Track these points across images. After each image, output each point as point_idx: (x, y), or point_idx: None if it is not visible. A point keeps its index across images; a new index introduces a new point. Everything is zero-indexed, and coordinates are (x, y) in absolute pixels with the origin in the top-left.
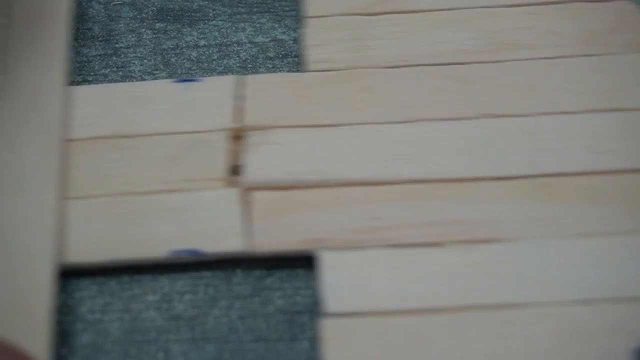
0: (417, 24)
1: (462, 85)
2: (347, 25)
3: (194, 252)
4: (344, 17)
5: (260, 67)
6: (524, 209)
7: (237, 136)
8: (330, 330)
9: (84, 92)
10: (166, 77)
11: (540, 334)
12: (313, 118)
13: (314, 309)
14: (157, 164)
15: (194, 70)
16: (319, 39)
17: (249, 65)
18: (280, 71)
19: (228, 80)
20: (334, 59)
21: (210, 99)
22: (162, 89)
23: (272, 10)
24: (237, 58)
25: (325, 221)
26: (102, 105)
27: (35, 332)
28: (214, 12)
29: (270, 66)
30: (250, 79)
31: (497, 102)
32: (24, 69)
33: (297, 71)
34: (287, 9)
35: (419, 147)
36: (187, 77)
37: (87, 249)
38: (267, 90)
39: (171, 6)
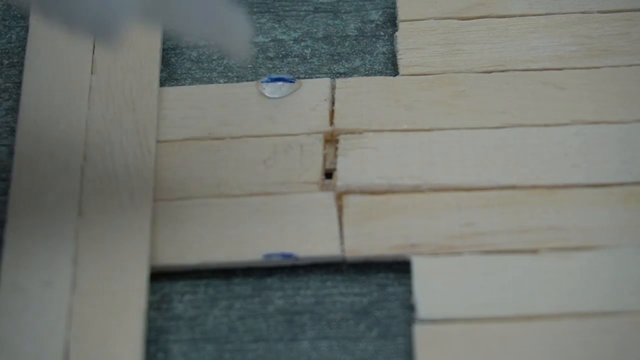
0: (512, 29)
1: (557, 91)
2: (440, 29)
3: (288, 256)
4: (437, 20)
5: (260, 67)
6: (619, 216)
7: (331, 139)
8: (422, 336)
9: (174, 93)
10: (166, 77)
11: (637, 342)
12: (406, 122)
13: (314, 309)
14: (251, 166)
15: (194, 70)
16: (412, 42)
17: (249, 65)
18: (280, 71)
19: (323, 82)
20: (427, 63)
21: (304, 101)
22: (254, 90)
23: (272, 10)
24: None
25: (418, 226)
26: (193, 106)
27: (128, 333)
28: None
29: (270, 66)
30: (341, 82)
31: (592, 108)
32: (115, 69)
33: (297, 71)
34: (287, 9)
35: (513, 152)
36: (276, 77)
37: (177, 252)
38: (359, 94)
39: None
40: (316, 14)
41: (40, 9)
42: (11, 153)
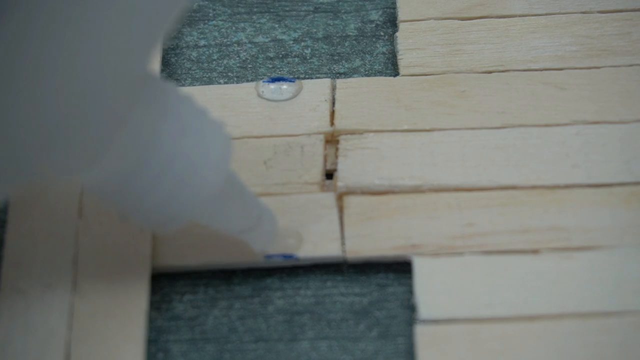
0: (512, 29)
1: (558, 91)
2: (441, 29)
3: (289, 257)
4: (437, 21)
5: (260, 67)
6: (620, 216)
7: (331, 140)
8: (423, 337)
9: None
10: (166, 77)
11: (638, 342)
12: (407, 122)
13: (314, 309)
14: (251, 167)
15: (194, 70)
16: (412, 43)
17: (249, 65)
18: (280, 71)
19: (323, 83)
20: (427, 63)
21: (305, 102)
22: (254, 90)
23: (272, 10)
24: (237, 58)
25: (419, 227)
26: None
27: (131, 335)
28: (214, 12)
29: (270, 66)
30: (341, 82)
31: (592, 108)
32: None
33: (297, 71)
34: (287, 9)
35: (514, 153)
36: (276, 77)
37: (178, 253)
38: (359, 94)
39: None
40: (316, 14)
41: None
42: None
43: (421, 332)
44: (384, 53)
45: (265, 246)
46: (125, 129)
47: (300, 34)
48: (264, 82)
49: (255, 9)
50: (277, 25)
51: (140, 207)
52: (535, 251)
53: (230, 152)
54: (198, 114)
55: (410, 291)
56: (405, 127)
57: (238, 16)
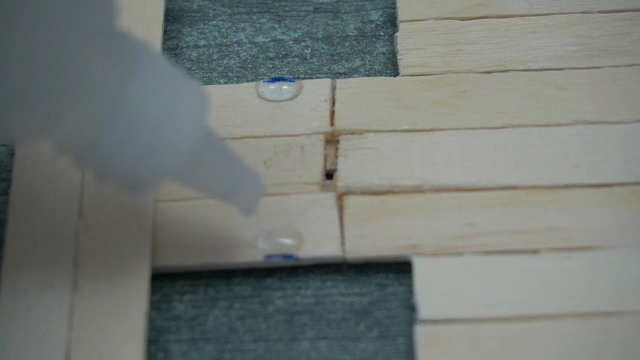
0: (512, 29)
1: (558, 91)
2: (441, 29)
3: (289, 257)
4: (437, 21)
5: (260, 67)
6: (620, 216)
7: (331, 140)
8: (424, 337)
9: None
10: None
11: (638, 342)
12: (407, 122)
13: (314, 309)
14: (252, 167)
15: (194, 70)
16: (412, 43)
17: (249, 66)
18: (280, 71)
19: (324, 83)
20: (427, 63)
21: (305, 102)
22: (254, 90)
23: (272, 10)
24: (237, 58)
25: (419, 227)
26: None
27: (131, 335)
28: (214, 12)
29: (270, 66)
30: (341, 82)
31: (592, 108)
32: None
33: (297, 71)
34: (287, 9)
35: (514, 153)
36: (276, 77)
37: (178, 253)
38: (359, 94)
39: (171, 6)
40: (316, 14)
41: (74, 158)
42: (11, 153)
43: (421, 332)
44: (384, 53)
45: (251, 208)
46: (90, 84)
47: (300, 34)
48: (264, 82)
49: (255, 9)
50: (277, 25)
51: (114, 165)
52: (535, 251)
53: (207, 108)
54: (170, 70)
55: (410, 291)
56: (405, 127)
57: (238, 16)
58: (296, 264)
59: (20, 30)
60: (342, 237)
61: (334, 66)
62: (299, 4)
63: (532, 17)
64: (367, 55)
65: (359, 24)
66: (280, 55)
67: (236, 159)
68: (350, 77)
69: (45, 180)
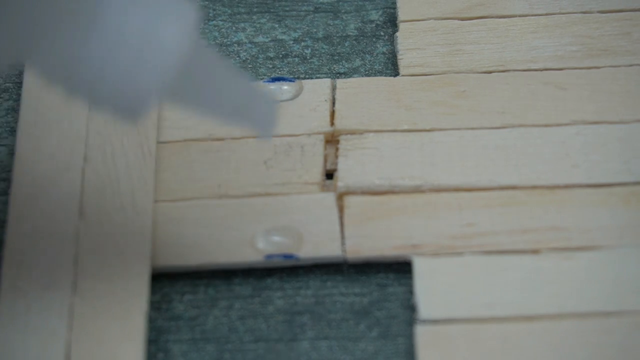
0: (512, 29)
1: (557, 91)
2: (441, 29)
3: (289, 257)
4: (437, 21)
5: (260, 67)
6: (620, 216)
7: (331, 140)
8: (424, 337)
9: None
10: None
11: (637, 342)
12: (407, 122)
13: (314, 309)
14: (251, 167)
15: None
16: (412, 43)
17: (249, 66)
18: (280, 71)
19: (324, 83)
20: (427, 63)
21: (305, 102)
22: None
23: (272, 10)
24: (237, 58)
25: (419, 227)
26: None
27: (131, 335)
28: (214, 12)
29: (270, 66)
30: (341, 82)
31: (592, 108)
32: None
33: (297, 71)
34: (287, 9)
35: (514, 153)
36: (276, 77)
37: (178, 253)
38: (359, 94)
39: None
40: (316, 14)
41: (63, 88)
42: (11, 153)
43: (421, 332)
44: (384, 53)
45: (267, 129)
46: (67, 2)
47: (300, 34)
48: (264, 82)
49: (255, 9)
50: (277, 25)
51: (103, 86)
52: (535, 251)
53: (194, 20)
54: None
55: (410, 291)
56: (405, 127)
57: (238, 16)
58: (296, 264)
59: None
60: (342, 237)
61: (334, 66)
62: (299, 4)
63: (532, 17)
64: (367, 55)
65: (359, 24)
66: (281, 55)
67: (237, 73)
68: (350, 77)
69: (45, 180)
